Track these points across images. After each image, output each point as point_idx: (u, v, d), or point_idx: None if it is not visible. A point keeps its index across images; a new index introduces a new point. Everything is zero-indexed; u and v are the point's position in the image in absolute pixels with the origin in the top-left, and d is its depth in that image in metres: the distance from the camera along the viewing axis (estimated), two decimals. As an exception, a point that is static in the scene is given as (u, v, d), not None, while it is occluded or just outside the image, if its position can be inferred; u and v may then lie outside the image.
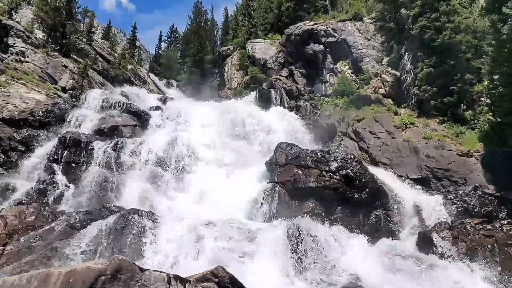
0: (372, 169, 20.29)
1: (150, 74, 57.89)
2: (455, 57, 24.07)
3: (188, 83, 55.59)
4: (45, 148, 21.81)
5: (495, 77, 20.63)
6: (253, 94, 34.81)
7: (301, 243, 13.62)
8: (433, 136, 22.88)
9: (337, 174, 18.39)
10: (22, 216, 14.78)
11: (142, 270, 8.49)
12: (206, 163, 22.68)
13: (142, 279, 8.28)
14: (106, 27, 72.47)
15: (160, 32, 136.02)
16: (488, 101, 22.43)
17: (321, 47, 36.57)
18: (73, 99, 27.91)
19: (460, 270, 13.60)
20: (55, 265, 11.39)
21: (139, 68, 54.53)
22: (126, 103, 27.88)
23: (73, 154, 21.17)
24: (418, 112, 25.79)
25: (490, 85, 21.35)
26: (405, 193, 19.49)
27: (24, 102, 24.27)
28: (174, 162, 22.09)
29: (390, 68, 31.55)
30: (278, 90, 33.90)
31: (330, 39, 36.48)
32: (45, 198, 18.66)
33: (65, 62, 33.10)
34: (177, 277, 8.60)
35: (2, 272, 11.32)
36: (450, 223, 16.67)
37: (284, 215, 16.74)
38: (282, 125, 28.24)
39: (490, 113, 22.07)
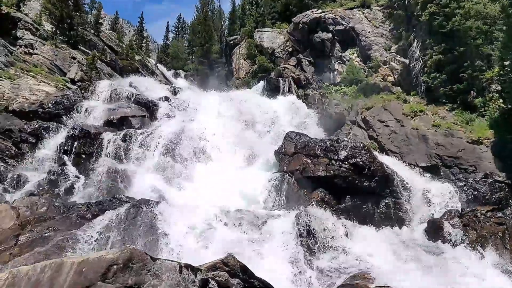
0: (381, 158, 20.24)
1: (158, 64, 57.81)
2: (465, 43, 23.74)
3: (196, 73, 55.44)
4: (55, 139, 22.00)
5: (506, 63, 20.38)
6: (261, 83, 34.73)
7: (310, 232, 13.67)
8: (442, 124, 22.70)
9: (346, 162, 18.37)
10: (34, 207, 14.94)
11: (153, 259, 8.56)
12: (215, 153, 22.74)
13: (153, 268, 8.36)
14: (113, 18, 72.41)
15: (168, 22, 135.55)
16: (499, 87, 22.14)
17: (329, 35, 36.25)
18: (82, 91, 28.00)
19: (471, 258, 13.59)
20: (67, 255, 11.52)
21: (147, 59, 54.51)
22: (135, 94, 27.95)
23: (83, 146, 21.32)
24: (427, 100, 25.57)
25: (501, 72, 21.08)
26: (414, 181, 19.42)
27: (33, 94, 24.44)
28: (183, 152, 22.17)
29: (399, 56, 31.27)
30: (286, 79, 33.83)
31: (338, 27, 36.13)
32: (56, 189, 18.89)
33: (74, 54, 33.17)
34: (188, 266, 8.67)
35: (15, 262, 11.49)
36: (460, 211, 16.63)
37: (293, 205, 16.83)
38: (290, 114, 28.21)
39: (501, 100, 21.80)
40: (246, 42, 46.29)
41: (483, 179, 18.94)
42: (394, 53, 32.05)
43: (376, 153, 20.47)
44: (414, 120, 24.06)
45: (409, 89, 28.13)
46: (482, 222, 15.07)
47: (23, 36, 30.92)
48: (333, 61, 35.49)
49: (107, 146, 21.33)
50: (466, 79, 23.41)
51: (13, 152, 21.22)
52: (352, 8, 37.96)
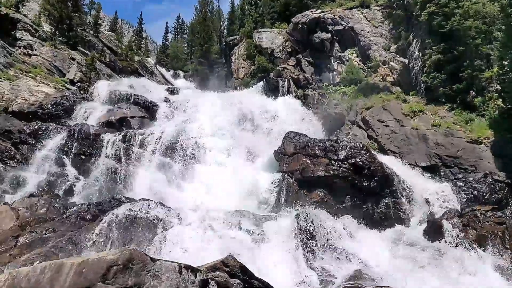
0: (381, 158, 20.22)
1: (157, 65, 57.89)
2: (464, 43, 23.75)
3: (195, 74, 55.45)
4: (54, 140, 21.95)
5: (505, 62, 20.38)
6: (261, 83, 34.75)
7: (310, 232, 13.66)
8: (442, 124, 22.69)
9: (345, 163, 18.37)
10: (34, 208, 14.96)
11: (153, 260, 8.56)
12: (214, 153, 22.71)
13: (153, 269, 8.36)
14: (113, 19, 72.46)
15: (167, 23, 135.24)
16: (498, 87, 22.14)
17: (328, 35, 36.27)
18: (81, 92, 28.03)
19: (470, 257, 13.56)
20: (67, 256, 11.51)
21: (146, 60, 54.61)
22: (134, 94, 27.94)
23: (82, 146, 21.33)
24: (427, 100, 25.55)
25: (500, 71, 21.08)
26: (414, 181, 19.41)
27: (33, 95, 24.44)
28: (183, 153, 22.16)
29: (398, 56, 31.29)
30: (286, 79, 33.84)
31: (337, 27, 36.14)
32: (56, 190, 18.87)
33: (73, 55, 33.21)
34: (188, 267, 8.67)
35: (15, 263, 11.48)
36: (460, 211, 16.61)
37: (293, 205, 16.81)
38: (289, 114, 28.19)
39: (500, 100, 21.79)
40: (245, 42, 46.28)
41: (482, 179, 18.92)
42: (393, 53, 32.07)
43: (375, 153, 20.47)
44: (414, 120, 24.04)
45: (409, 89, 28.12)
46: (482, 222, 15.05)
47: (22, 37, 30.96)
48: (332, 61, 35.51)
49: (106, 147, 21.32)
50: (466, 79, 23.41)
51: (12, 153, 21.20)
52: (351, 8, 37.97)
